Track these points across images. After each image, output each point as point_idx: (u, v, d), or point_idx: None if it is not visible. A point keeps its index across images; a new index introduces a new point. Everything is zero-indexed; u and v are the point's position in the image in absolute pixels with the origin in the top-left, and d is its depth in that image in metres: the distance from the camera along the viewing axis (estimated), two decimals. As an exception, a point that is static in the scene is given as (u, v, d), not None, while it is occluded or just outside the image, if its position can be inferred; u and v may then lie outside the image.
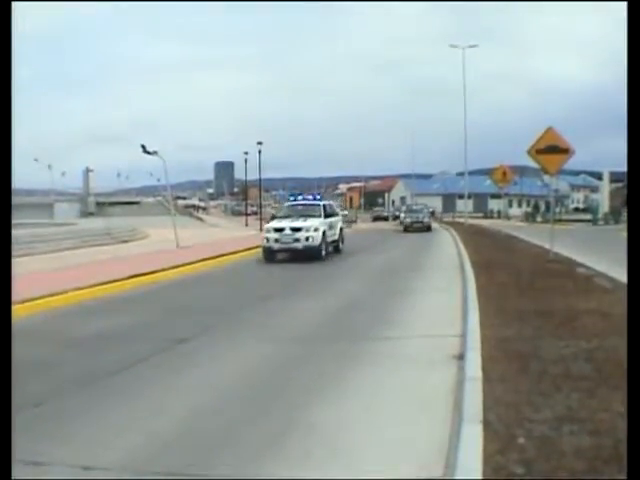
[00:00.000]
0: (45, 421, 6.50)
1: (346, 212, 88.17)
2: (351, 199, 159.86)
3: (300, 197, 31.95)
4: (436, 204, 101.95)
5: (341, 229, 28.97)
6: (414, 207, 59.37)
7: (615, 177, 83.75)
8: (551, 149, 20.26)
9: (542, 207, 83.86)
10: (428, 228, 50.47)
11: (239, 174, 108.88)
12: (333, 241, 27.03)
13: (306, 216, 25.76)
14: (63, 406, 7.02)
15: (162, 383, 7.93)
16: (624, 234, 10.52)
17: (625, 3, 5.81)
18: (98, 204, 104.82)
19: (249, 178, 73.10)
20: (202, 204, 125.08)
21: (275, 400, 7.06)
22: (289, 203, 30.80)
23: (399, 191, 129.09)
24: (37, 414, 6.72)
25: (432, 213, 67.84)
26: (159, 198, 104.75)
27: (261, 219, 57.86)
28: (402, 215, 57.36)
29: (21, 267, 19.90)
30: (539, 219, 70.22)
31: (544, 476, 4.46)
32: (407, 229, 50.90)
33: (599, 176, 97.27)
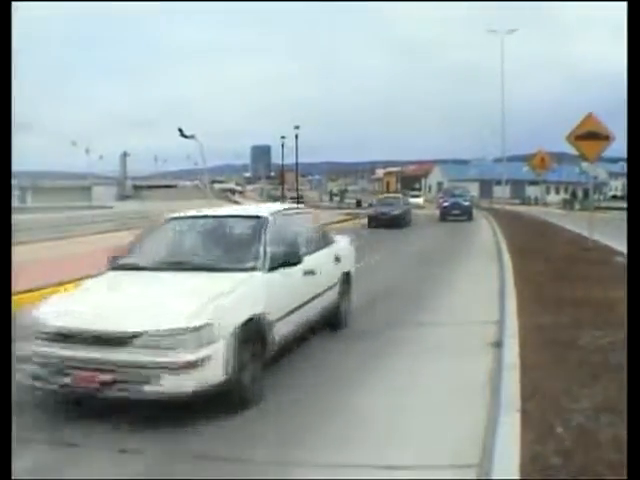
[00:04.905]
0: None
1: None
2: (388, 184, 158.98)
3: None
4: (473, 190, 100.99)
5: None
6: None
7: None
8: (591, 135, 19.96)
9: (580, 194, 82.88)
10: None
11: (276, 158, 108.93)
12: None
13: None
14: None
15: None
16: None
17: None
18: (135, 187, 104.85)
19: (285, 162, 73.07)
20: (239, 188, 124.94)
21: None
22: None
23: (436, 176, 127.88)
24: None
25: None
26: (196, 182, 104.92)
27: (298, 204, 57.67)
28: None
29: (60, 250, 20.20)
30: (577, 206, 69.27)
31: (582, 467, 4.42)
32: None
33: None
